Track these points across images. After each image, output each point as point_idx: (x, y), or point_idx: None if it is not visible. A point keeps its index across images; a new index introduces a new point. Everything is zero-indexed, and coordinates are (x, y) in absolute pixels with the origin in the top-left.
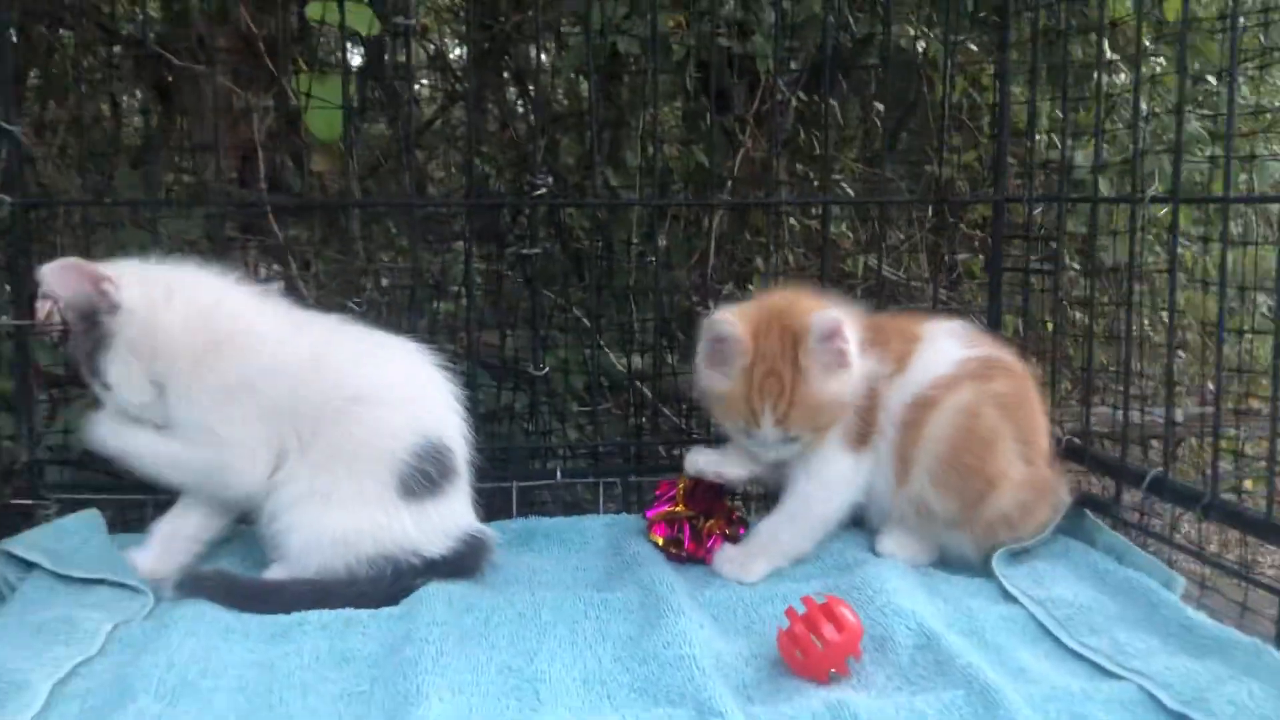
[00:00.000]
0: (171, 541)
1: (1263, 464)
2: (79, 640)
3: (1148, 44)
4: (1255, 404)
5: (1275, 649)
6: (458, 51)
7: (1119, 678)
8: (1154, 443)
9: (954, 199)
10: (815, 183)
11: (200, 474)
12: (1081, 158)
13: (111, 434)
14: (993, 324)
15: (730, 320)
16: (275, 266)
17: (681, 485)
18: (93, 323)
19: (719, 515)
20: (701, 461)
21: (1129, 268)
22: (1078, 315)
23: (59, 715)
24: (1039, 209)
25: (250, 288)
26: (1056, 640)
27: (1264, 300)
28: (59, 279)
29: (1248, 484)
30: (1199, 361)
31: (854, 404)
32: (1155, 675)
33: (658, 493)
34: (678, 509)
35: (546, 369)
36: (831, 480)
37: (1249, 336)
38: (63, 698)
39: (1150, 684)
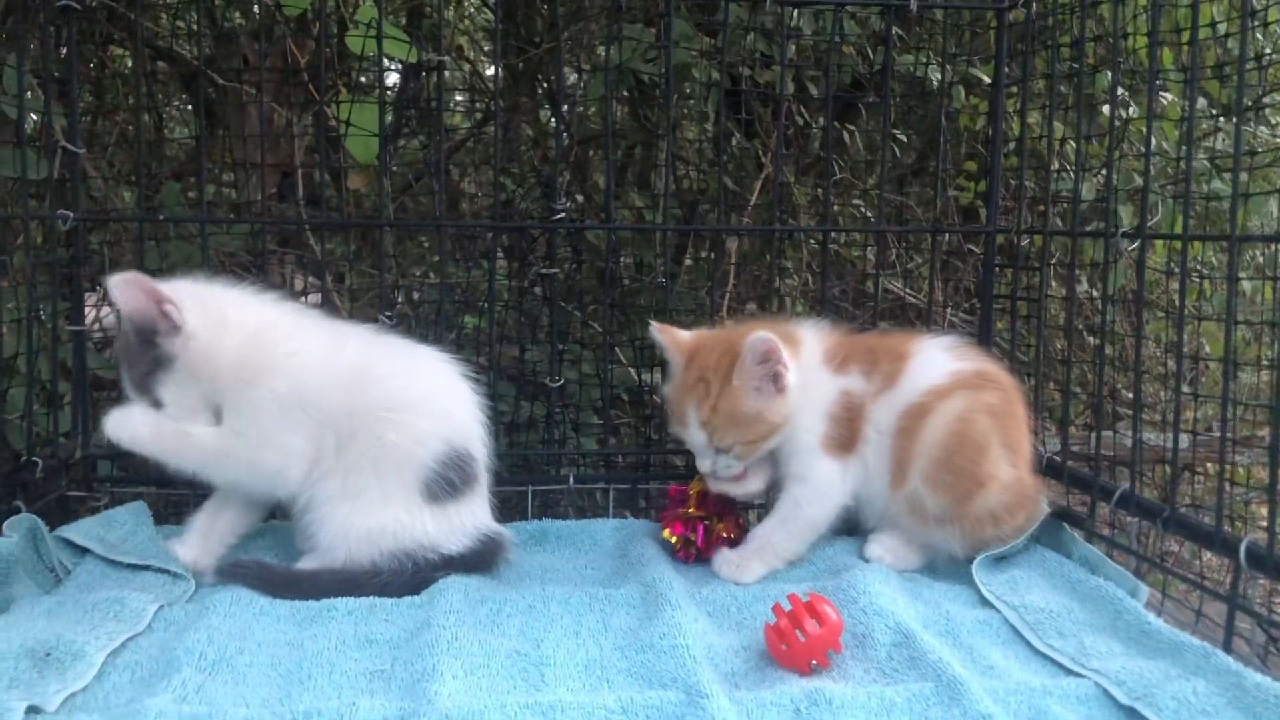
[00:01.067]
0: (208, 534)
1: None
2: (128, 618)
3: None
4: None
5: (1223, 652)
6: (492, 71)
7: (1079, 676)
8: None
9: (947, 229)
10: (835, 207)
11: (248, 472)
12: (1087, 190)
13: (132, 435)
14: (983, 344)
15: (662, 329)
16: (312, 280)
17: (694, 490)
18: (151, 342)
19: (729, 518)
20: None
21: (1103, 298)
22: (1058, 344)
23: (112, 682)
24: (1026, 240)
25: (291, 305)
26: (1026, 642)
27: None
28: (124, 292)
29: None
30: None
31: (819, 415)
32: (1111, 674)
33: (670, 495)
34: (690, 511)
35: (563, 380)
36: (819, 485)
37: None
38: (114, 668)
39: (1106, 681)
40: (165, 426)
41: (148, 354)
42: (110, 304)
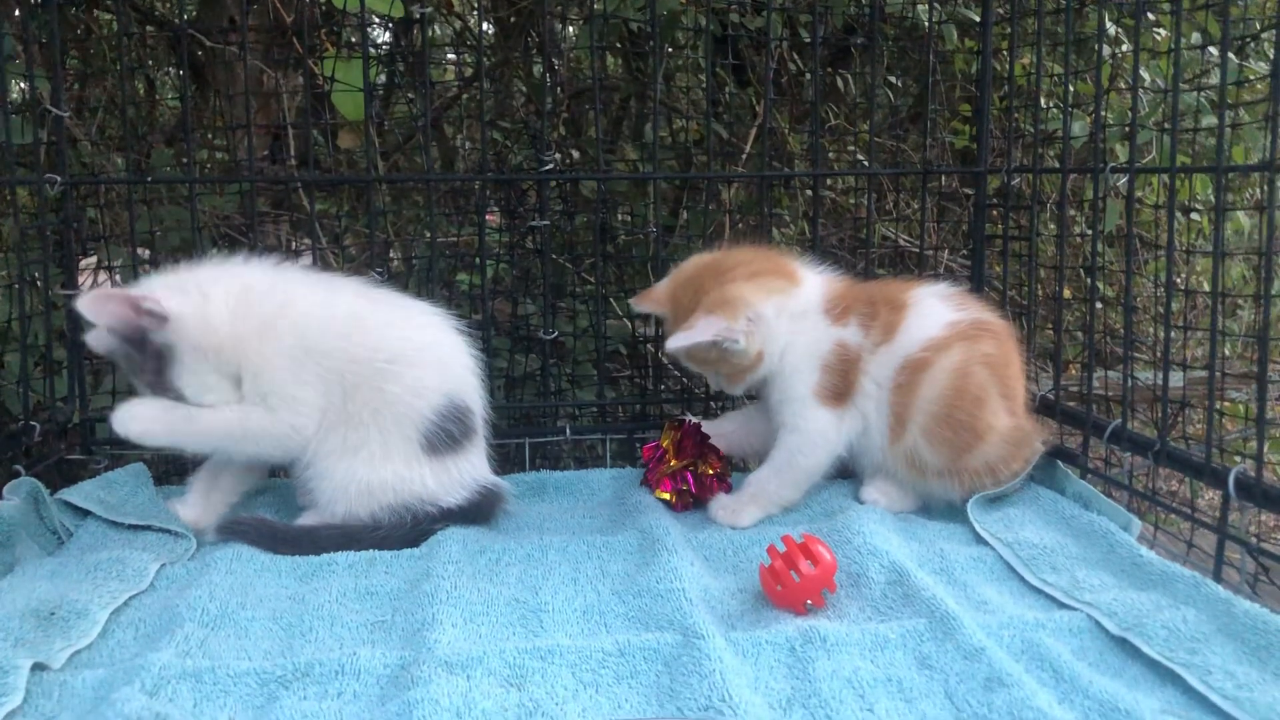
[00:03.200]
0: (209, 493)
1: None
2: (131, 577)
3: (1149, 16)
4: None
5: (1213, 581)
6: (486, 26)
7: (1071, 609)
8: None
9: (938, 169)
10: (831, 154)
11: (268, 438)
12: (1078, 129)
13: (143, 428)
14: (976, 287)
15: (639, 300)
16: (305, 240)
17: (667, 442)
18: (144, 342)
19: (710, 457)
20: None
21: (1094, 235)
22: (1053, 284)
23: (116, 639)
24: (1016, 180)
25: (268, 264)
26: (1020, 578)
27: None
28: (96, 309)
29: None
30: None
31: (812, 364)
32: (1103, 606)
33: (644, 458)
34: (672, 464)
35: (556, 333)
36: (813, 434)
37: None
38: (118, 625)
39: (1097, 613)
40: (175, 412)
41: (148, 355)
42: (91, 323)
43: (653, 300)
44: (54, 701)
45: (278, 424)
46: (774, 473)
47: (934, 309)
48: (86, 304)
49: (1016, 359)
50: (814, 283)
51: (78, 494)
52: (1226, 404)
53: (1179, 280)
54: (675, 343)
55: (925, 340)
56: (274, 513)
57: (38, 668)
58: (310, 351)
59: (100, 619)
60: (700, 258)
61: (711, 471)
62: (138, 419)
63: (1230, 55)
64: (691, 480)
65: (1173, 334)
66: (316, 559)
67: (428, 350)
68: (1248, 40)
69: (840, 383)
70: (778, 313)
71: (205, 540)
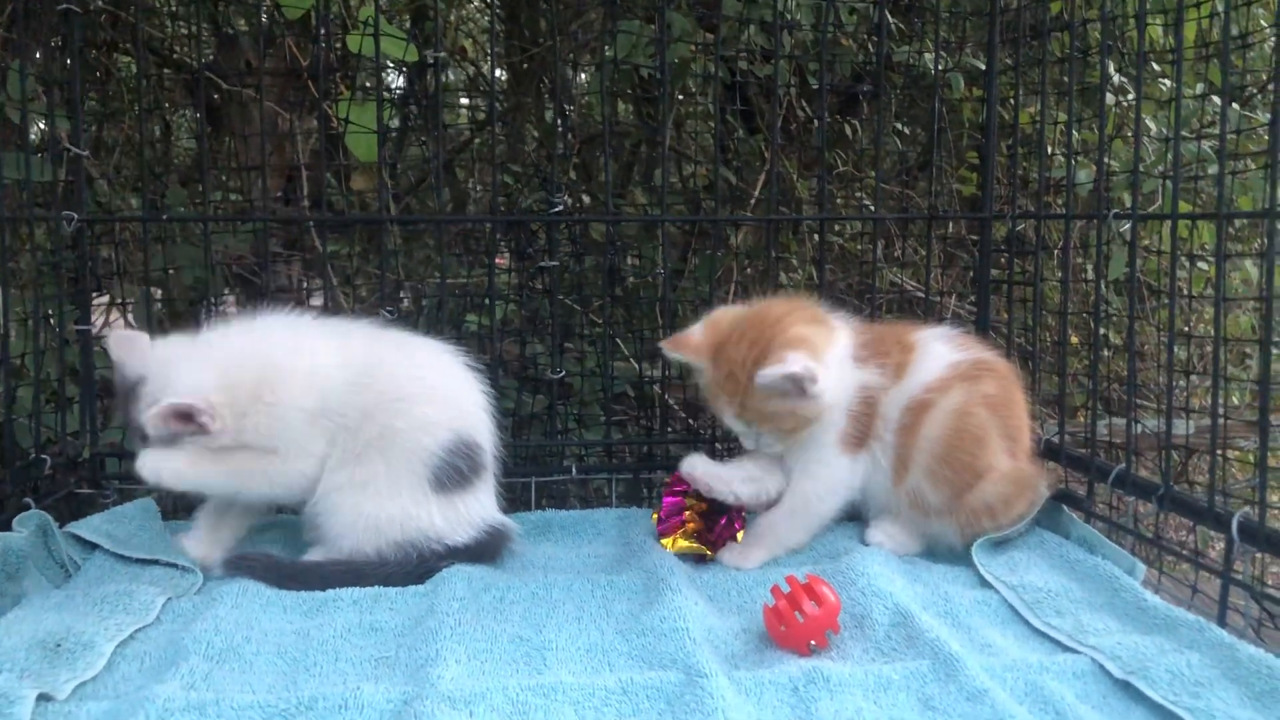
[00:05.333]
0: (216, 528)
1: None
2: (137, 610)
3: (1154, 66)
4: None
5: (1217, 626)
6: (499, 73)
7: (1076, 652)
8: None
9: (944, 215)
10: (839, 200)
11: (279, 482)
12: (1084, 176)
13: (174, 474)
14: (981, 332)
15: (673, 345)
16: (317, 280)
17: (689, 513)
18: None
19: (728, 532)
20: (700, 469)
21: (1097, 280)
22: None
23: (121, 672)
24: (1021, 225)
25: (288, 319)
26: (1024, 621)
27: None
28: (123, 349)
29: (1273, 497)
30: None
31: (842, 412)
32: (1107, 649)
33: (665, 505)
34: (689, 528)
35: (564, 372)
36: (829, 481)
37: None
38: (123, 658)
39: (1102, 657)
40: (200, 460)
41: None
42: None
43: (691, 349)
44: None
45: (288, 469)
46: (788, 515)
47: (937, 350)
48: (115, 341)
49: (1020, 400)
50: (843, 330)
51: (86, 528)
52: (1235, 452)
53: (1186, 328)
54: (769, 373)
55: (928, 381)
56: (280, 548)
57: (43, 699)
58: (327, 413)
59: (106, 651)
60: (733, 310)
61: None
62: (169, 464)
63: (1234, 105)
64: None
65: (1179, 381)
66: (322, 594)
67: (437, 388)
68: (1254, 92)
69: (861, 429)
70: (834, 362)
71: (212, 575)
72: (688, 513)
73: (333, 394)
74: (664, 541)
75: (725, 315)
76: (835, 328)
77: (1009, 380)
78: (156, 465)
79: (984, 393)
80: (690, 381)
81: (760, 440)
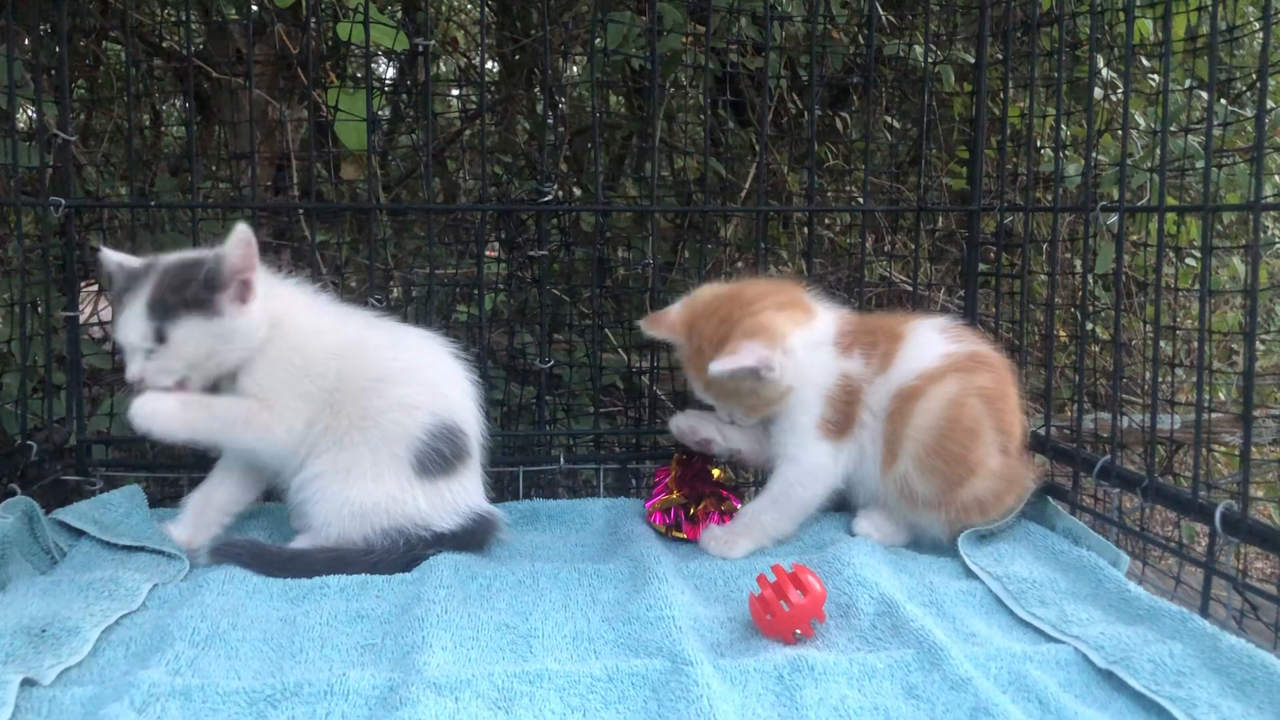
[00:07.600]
0: (203, 514)
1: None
2: (123, 596)
3: (1144, 61)
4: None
5: (1200, 616)
6: (491, 64)
7: (1059, 642)
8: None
9: (931, 206)
10: (830, 193)
11: (256, 433)
12: (1072, 170)
13: (166, 416)
14: (969, 324)
15: (650, 323)
16: (306, 269)
17: (673, 473)
18: (201, 285)
19: (709, 498)
20: (682, 421)
21: (1084, 272)
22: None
23: (106, 657)
24: (1010, 218)
25: (307, 289)
26: (1009, 611)
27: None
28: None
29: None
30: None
31: (819, 396)
32: (1090, 639)
33: (655, 479)
34: (672, 496)
35: (552, 362)
36: (813, 468)
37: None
38: (109, 643)
39: (1085, 646)
40: (190, 403)
41: (189, 294)
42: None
43: (666, 326)
44: (42, 717)
45: (275, 426)
46: (770, 503)
47: (930, 339)
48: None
49: (1013, 394)
50: (826, 316)
51: (72, 514)
52: (1221, 448)
53: (1172, 322)
54: (720, 366)
55: (920, 370)
56: (267, 536)
57: (27, 683)
58: (310, 374)
59: (91, 637)
60: (715, 287)
61: (711, 511)
62: (160, 413)
63: (1222, 100)
64: (684, 520)
65: (1165, 375)
66: (308, 582)
67: (416, 370)
68: (1243, 90)
69: (842, 416)
70: (803, 345)
71: (198, 562)
72: (671, 475)
73: (316, 359)
74: (649, 521)
75: (705, 292)
76: (814, 312)
77: (1003, 373)
78: (152, 407)
79: (978, 385)
80: (678, 370)
81: (732, 414)
